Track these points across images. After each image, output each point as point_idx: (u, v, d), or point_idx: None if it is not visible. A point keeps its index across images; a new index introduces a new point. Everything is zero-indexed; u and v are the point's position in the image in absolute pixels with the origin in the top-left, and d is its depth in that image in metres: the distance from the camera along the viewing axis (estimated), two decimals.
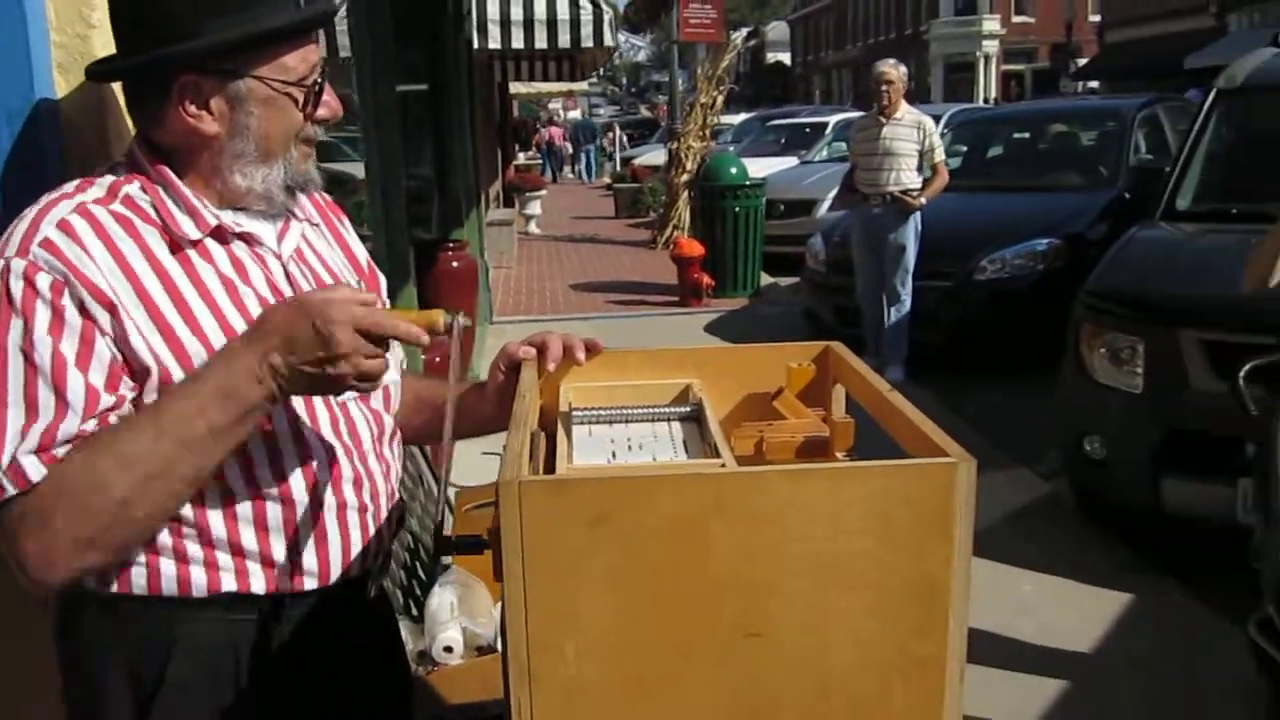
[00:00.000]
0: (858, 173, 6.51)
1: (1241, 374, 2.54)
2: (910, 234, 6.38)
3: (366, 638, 1.46)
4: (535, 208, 14.78)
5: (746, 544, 1.01)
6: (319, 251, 1.43)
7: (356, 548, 1.36)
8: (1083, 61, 34.30)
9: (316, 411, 1.32)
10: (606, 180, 20.57)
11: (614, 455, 1.24)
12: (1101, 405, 4.06)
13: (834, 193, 10.48)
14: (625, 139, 24.58)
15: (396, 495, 1.47)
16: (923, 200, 6.33)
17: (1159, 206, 4.81)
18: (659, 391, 1.48)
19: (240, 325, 1.25)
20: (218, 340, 1.23)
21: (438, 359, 4.05)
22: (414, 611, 2.51)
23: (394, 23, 4.17)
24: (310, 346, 1.14)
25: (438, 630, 2.23)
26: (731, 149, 13.53)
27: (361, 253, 1.55)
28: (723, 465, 1.15)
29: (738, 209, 9.19)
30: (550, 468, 1.20)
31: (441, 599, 2.29)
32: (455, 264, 6.05)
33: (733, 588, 1.02)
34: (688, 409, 1.37)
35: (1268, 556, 2.39)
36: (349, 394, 1.34)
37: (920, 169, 6.38)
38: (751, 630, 1.03)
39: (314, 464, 1.31)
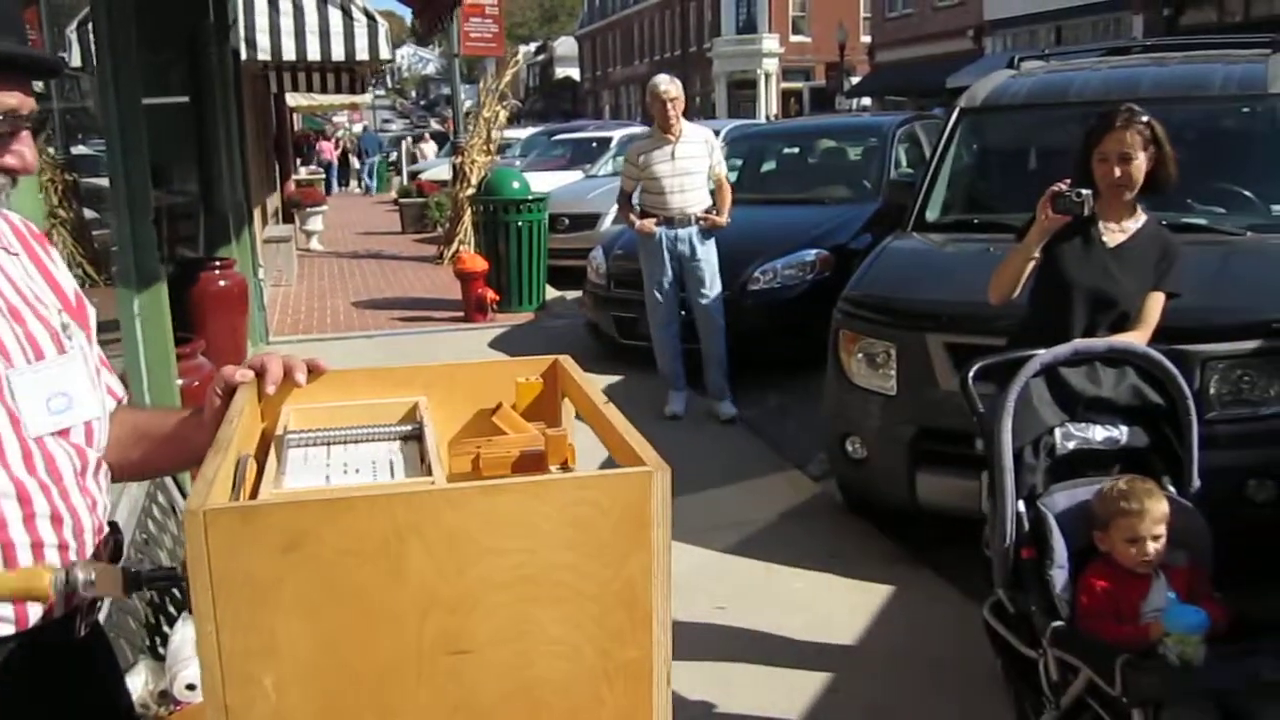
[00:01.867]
0: (646, 195, 5.96)
1: (970, 374, 2.72)
2: (715, 253, 5.97)
3: (79, 681, 1.37)
4: (317, 223, 14.34)
5: (446, 562, 1.01)
6: (13, 279, 1.35)
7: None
8: (856, 80, 36.08)
9: (5, 446, 1.23)
10: (393, 195, 20.20)
11: (328, 479, 1.22)
12: (860, 407, 4.26)
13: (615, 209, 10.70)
14: (420, 151, 24.24)
15: (105, 529, 1.39)
16: (726, 219, 5.94)
17: (910, 217, 5.10)
18: (386, 411, 1.46)
19: None
20: None
21: (195, 383, 3.87)
22: (161, 650, 2.39)
23: (143, 32, 3.97)
24: None
25: (179, 668, 2.13)
26: (518, 163, 13.53)
27: (69, 283, 1.46)
28: (433, 483, 1.14)
29: (520, 223, 9.18)
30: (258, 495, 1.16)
31: (184, 635, 2.19)
32: (222, 283, 5.81)
33: (435, 606, 1.02)
34: (408, 428, 1.35)
35: (995, 545, 2.56)
36: (46, 427, 1.27)
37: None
38: (456, 648, 1.03)
39: (2, 502, 1.22)
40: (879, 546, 4.32)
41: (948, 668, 3.32)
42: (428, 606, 1.01)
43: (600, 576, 1.04)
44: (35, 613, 1.26)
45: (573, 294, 9.06)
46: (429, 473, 1.18)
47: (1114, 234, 3.03)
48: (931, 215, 5.11)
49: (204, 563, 0.95)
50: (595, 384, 1.38)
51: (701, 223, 5.90)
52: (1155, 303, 2.99)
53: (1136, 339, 2.85)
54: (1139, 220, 3.07)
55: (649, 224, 5.92)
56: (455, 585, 1.01)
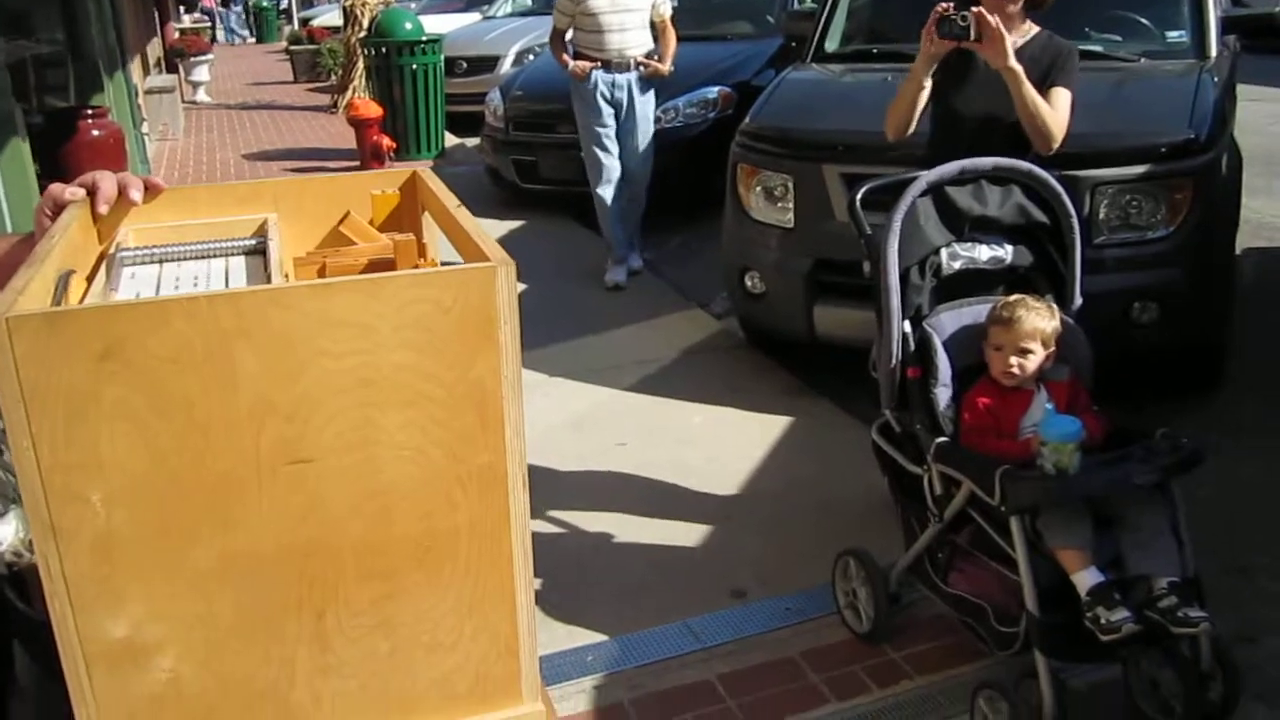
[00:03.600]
0: (580, 35, 5.52)
1: (858, 196, 2.70)
2: (653, 105, 5.62)
3: None
4: (203, 74, 13.65)
5: (278, 367, 0.95)
6: None
7: None
8: None
9: None
10: (284, 43, 19.26)
11: (159, 293, 1.15)
12: (758, 241, 4.25)
13: (516, 47, 10.34)
14: None
15: None
16: (669, 66, 5.56)
17: (809, 48, 5.00)
18: (232, 229, 1.37)
19: None
20: None
21: None
22: None
23: None
24: None
25: None
26: (413, 5, 12.95)
27: None
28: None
29: (415, 67, 8.84)
30: None
31: None
32: (95, 132, 5.51)
33: (270, 415, 0.97)
34: (251, 243, 1.28)
35: (882, 365, 2.58)
36: None
37: None
38: (297, 457, 0.99)
39: None
40: (779, 380, 4.37)
41: (844, 492, 3.40)
42: (263, 415, 0.96)
43: (445, 379, 1.00)
44: None
45: (473, 140, 8.82)
46: (268, 284, 1.12)
47: None
48: (831, 46, 5.02)
49: (12, 374, 0.89)
50: (451, 194, 1.31)
51: (642, 68, 5.47)
52: (1058, 98, 2.93)
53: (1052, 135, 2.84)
54: (1028, 33, 3.03)
55: (583, 65, 5.44)
56: (290, 391, 0.96)
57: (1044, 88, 2.91)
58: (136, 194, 1.30)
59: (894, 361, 2.54)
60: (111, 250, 1.25)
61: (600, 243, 5.90)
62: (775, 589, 2.96)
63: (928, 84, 3.01)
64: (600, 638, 2.78)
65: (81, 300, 1.12)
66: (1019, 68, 2.82)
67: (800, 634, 2.78)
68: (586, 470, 3.64)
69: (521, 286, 5.70)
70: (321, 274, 1.19)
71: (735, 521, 3.32)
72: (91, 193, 1.29)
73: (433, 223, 1.44)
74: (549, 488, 3.37)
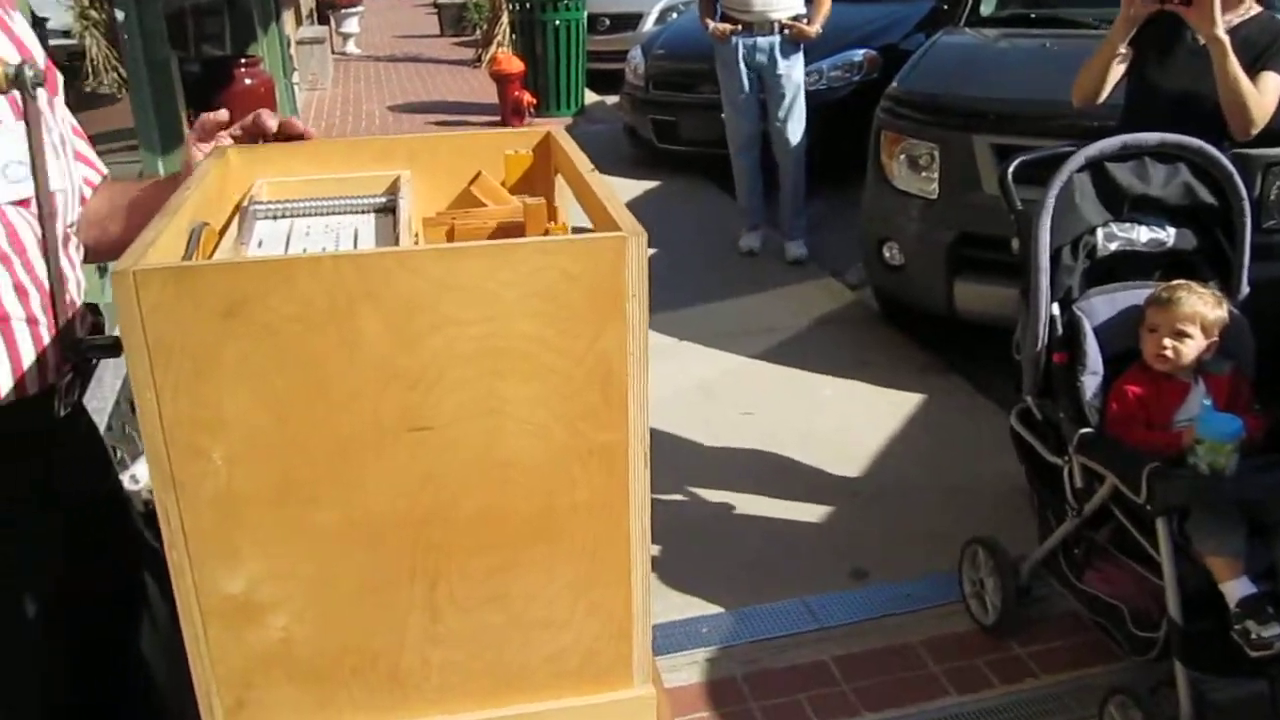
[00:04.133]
0: None
1: (1010, 169, 2.57)
2: (802, 69, 5.30)
3: (61, 455, 1.34)
4: (353, 25, 13.93)
5: (402, 331, 0.93)
6: None
7: (28, 363, 1.23)
8: None
9: None
10: None
11: (288, 249, 1.13)
12: (900, 211, 4.11)
13: (660, 5, 10.25)
14: None
15: (79, 306, 1.33)
16: (817, 29, 5.23)
17: (963, 12, 4.79)
18: (365, 185, 1.36)
19: None
20: None
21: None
22: None
23: None
24: None
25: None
26: None
27: (36, 47, 1.36)
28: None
29: (558, 23, 8.84)
30: None
31: None
32: (248, 81, 5.66)
33: (392, 380, 0.94)
34: (381, 200, 1.26)
35: (1026, 349, 2.46)
36: (4, 196, 1.19)
37: None
38: (417, 424, 0.96)
39: None
40: (912, 355, 4.24)
41: (975, 477, 3.28)
42: (385, 380, 0.94)
43: (571, 351, 0.96)
44: (3, 386, 1.21)
45: (612, 98, 8.80)
46: (396, 244, 1.10)
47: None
48: (986, 9, 4.81)
49: (138, 328, 0.88)
50: (585, 158, 1.27)
51: (787, 31, 5.16)
52: (1266, 81, 2.68)
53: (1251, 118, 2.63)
54: (1247, 12, 2.79)
55: (724, 27, 5.20)
56: (413, 358, 0.94)
57: (1254, 70, 2.68)
58: (272, 122, 1.33)
59: (1039, 345, 2.41)
60: (245, 203, 1.25)
61: (736, 207, 5.81)
62: (897, 572, 2.88)
63: (1124, 50, 2.81)
64: (716, 610, 2.74)
65: (212, 253, 1.11)
66: (1226, 38, 2.60)
67: (921, 621, 2.70)
68: (712, 437, 3.60)
69: (653, 250, 5.64)
70: (450, 236, 1.16)
71: (860, 499, 3.24)
72: (252, 132, 1.31)
73: (565, 186, 1.40)
74: (673, 454, 3.34)
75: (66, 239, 1.31)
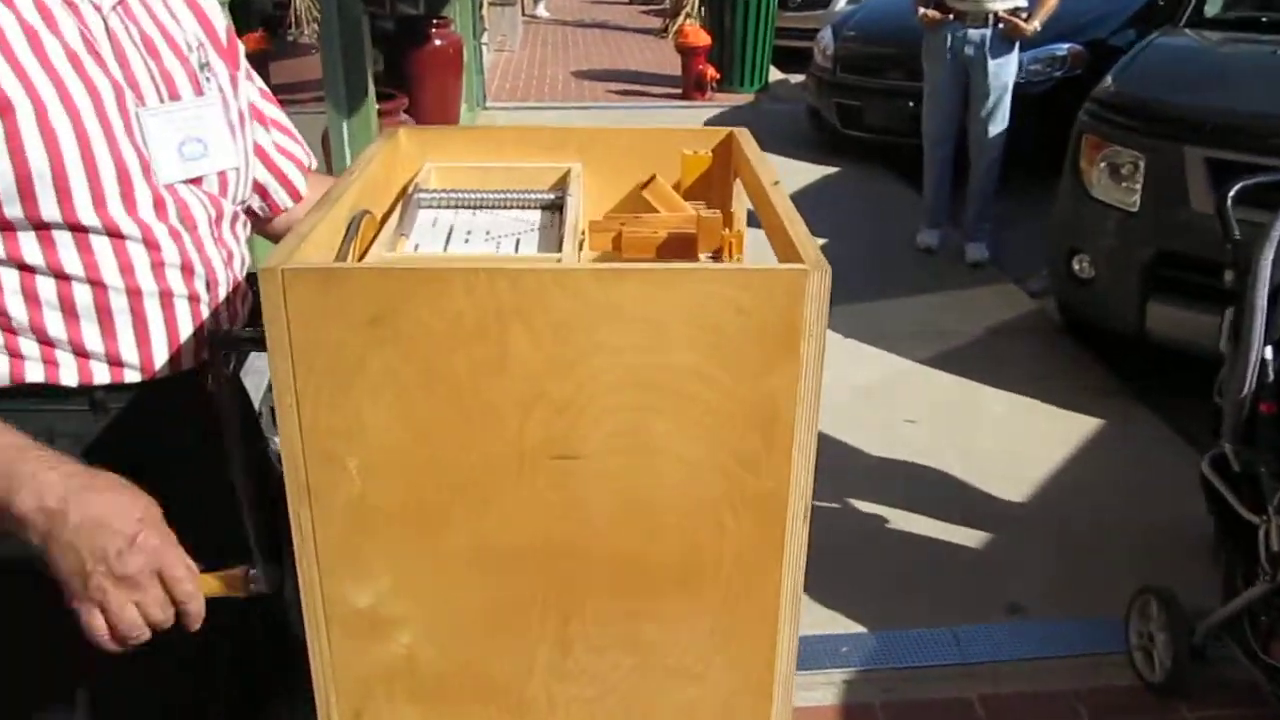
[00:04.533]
0: None
1: (1230, 194, 2.34)
2: (1013, 68, 4.94)
3: (208, 432, 1.34)
4: None
5: (554, 354, 0.86)
6: (151, 9, 1.23)
7: (185, 339, 1.22)
8: None
9: (135, 190, 1.14)
10: None
11: (448, 245, 1.08)
12: (1095, 222, 3.86)
13: None
14: None
15: (242, 285, 1.31)
16: (1036, 25, 4.85)
17: (1185, 11, 4.45)
18: (535, 176, 1.30)
19: (42, 81, 1.08)
20: (14, 93, 1.06)
21: None
22: None
23: None
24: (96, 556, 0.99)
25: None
26: None
27: (219, 20, 1.34)
28: (558, 261, 0.99)
29: None
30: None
31: None
32: (437, 42, 5.73)
33: (540, 403, 0.88)
34: (549, 196, 1.20)
35: (1229, 392, 2.24)
36: (177, 174, 1.17)
37: None
38: (561, 452, 0.90)
39: (129, 246, 1.15)
40: (1094, 376, 3.99)
41: (1154, 518, 3.05)
42: (532, 402, 0.87)
43: (734, 390, 0.88)
44: (160, 359, 1.20)
45: (797, 78, 8.60)
46: (559, 249, 1.03)
47: None
48: (1211, 9, 4.45)
49: (283, 329, 0.84)
50: (771, 166, 1.18)
51: (1001, 25, 4.81)
52: None
53: None
54: None
55: (935, 14, 4.90)
56: (564, 381, 0.87)
57: None
58: None
59: (1246, 390, 2.20)
60: (410, 189, 1.20)
61: (917, 201, 5.59)
62: (1056, 611, 2.70)
63: None
64: (858, 629, 2.63)
65: (370, 243, 1.07)
66: None
67: (1079, 668, 2.52)
68: (871, 444, 3.46)
69: (823, 239, 5.49)
70: (617, 244, 1.09)
71: (1022, 527, 3.05)
72: None
73: (741, 191, 1.31)
74: (830, 456, 3.18)
75: (235, 216, 1.29)
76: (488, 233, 1.13)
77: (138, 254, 1.16)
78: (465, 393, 0.87)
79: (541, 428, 0.89)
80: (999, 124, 4.98)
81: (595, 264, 0.82)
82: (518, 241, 1.09)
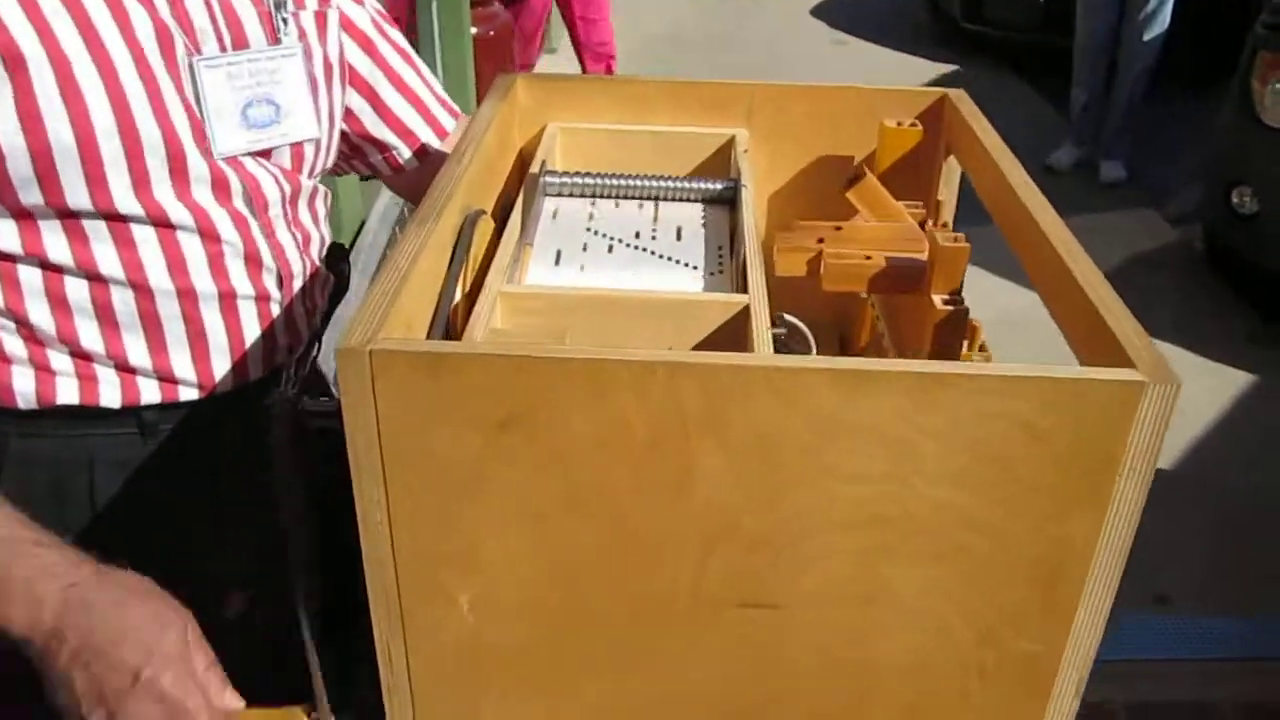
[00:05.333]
0: None
1: None
2: None
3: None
4: None
5: (756, 478, 0.60)
6: None
7: (252, 345, 0.98)
8: None
9: (188, 162, 0.88)
10: None
11: (584, 264, 0.81)
12: (1264, 151, 3.43)
13: None
14: None
15: (320, 270, 1.06)
16: None
17: None
18: (688, 145, 1.03)
19: (63, 25, 0.81)
20: (25, 41, 0.80)
21: (490, 32, 3.51)
22: None
23: None
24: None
25: None
26: None
27: None
28: (743, 306, 0.72)
29: None
30: (481, 278, 0.77)
31: None
32: None
33: (729, 537, 0.62)
34: (715, 187, 0.92)
35: None
36: (240, 144, 0.91)
37: None
38: (753, 599, 0.64)
39: (180, 237, 0.90)
40: (1247, 323, 3.60)
41: None
42: (718, 536, 0.62)
43: (1008, 532, 0.61)
44: (222, 372, 0.97)
45: None
46: (739, 281, 0.76)
47: None
48: None
49: (370, 429, 0.59)
50: (1011, 161, 0.88)
51: None
52: None
53: None
54: None
55: None
56: (767, 514, 0.61)
57: None
58: None
59: None
60: (535, 168, 0.93)
61: (1048, 111, 5.10)
62: (1209, 606, 2.41)
63: None
64: None
65: (485, 263, 0.80)
66: None
67: (1235, 675, 2.24)
68: None
69: None
70: (813, 268, 0.81)
71: (1167, 503, 2.74)
72: None
73: (952, 175, 1.02)
74: None
75: (314, 194, 1.03)
76: (637, 237, 0.85)
77: (192, 247, 0.90)
78: (625, 519, 0.62)
79: (728, 567, 0.63)
80: (1158, 26, 4.45)
81: (825, 362, 0.55)
82: (679, 259, 0.82)
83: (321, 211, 1.04)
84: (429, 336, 0.68)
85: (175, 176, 0.87)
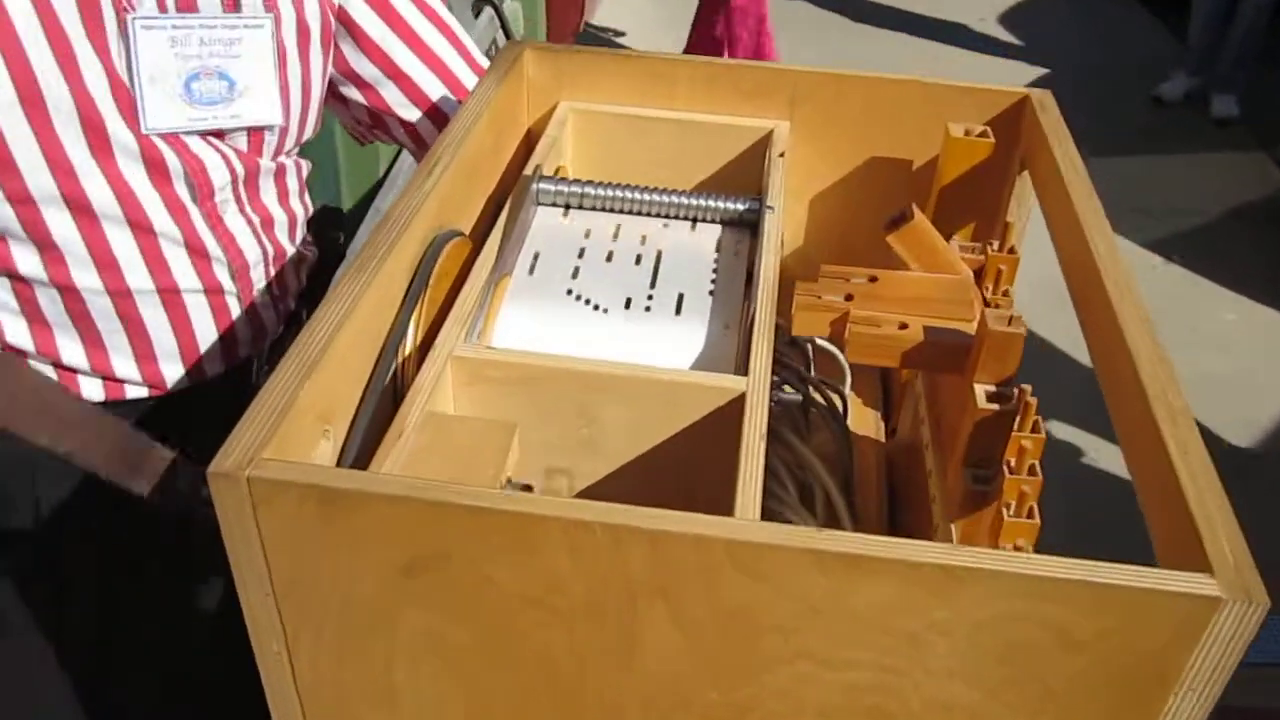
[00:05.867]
0: None
1: None
2: None
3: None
4: None
5: (721, 657, 0.49)
6: None
7: (208, 341, 0.88)
8: None
9: (111, 139, 0.77)
10: None
11: (578, 294, 0.69)
12: None
13: None
14: None
15: (293, 251, 0.95)
16: None
17: None
18: (718, 137, 0.89)
19: None
20: None
21: None
22: None
23: None
24: None
25: None
26: None
27: None
28: (738, 395, 0.59)
29: None
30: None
31: None
32: None
33: (680, 712, 0.51)
34: (739, 207, 0.78)
35: None
36: (178, 120, 0.79)
37: None
38: None
39: (106, 227, 0.79)
40: None
41: None
42: (666, 713, 0.51)
43: None
44: (173, 370, 0.87)
45: None
46: (740, 363, 0.63)
47: None
48: None
49: (257, 558, 0.49)
50: (1084, 185, 0.74)
51: None
52: None
53: None
54: None
55: None
56: (731, 694, 0.50)
57: None
58: None
59: None
60: (529, 169, 0.80)
61: (1166, 38, 4.73)
62: None
63: None
64: None
65: (461, 279, 0.69)
66: None
67: None
68: (1062, 346, 2.97)
69: (1032, 71, 4.73)
70: (839, 332, 0.68)
71: (1255, 484, 2.57)
72: None
73: (1024, 197, 0.87)
74: None
75: (279, 172, 0.91)
76: (638, 264, 0.73)
77: (120, 240, 0.80)
78: (558, 678, 0.51)
79: None
80: None
81: (807, 540, 0.43)
82: (685, 302, 0.69)
83: (293, 186, 0.92)
84: (354, 424, 0.57)
85: (96, 151, 0.76)
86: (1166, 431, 0.51)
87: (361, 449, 0.56)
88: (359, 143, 1.07)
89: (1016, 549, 0.63)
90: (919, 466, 0.82)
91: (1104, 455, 2.63)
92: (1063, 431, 2.66)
